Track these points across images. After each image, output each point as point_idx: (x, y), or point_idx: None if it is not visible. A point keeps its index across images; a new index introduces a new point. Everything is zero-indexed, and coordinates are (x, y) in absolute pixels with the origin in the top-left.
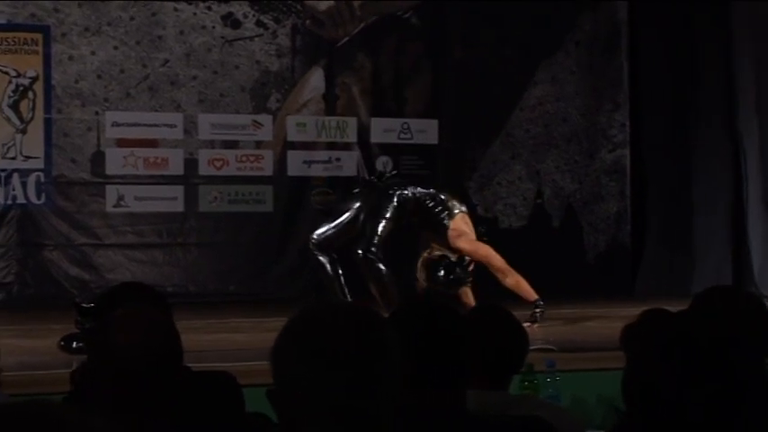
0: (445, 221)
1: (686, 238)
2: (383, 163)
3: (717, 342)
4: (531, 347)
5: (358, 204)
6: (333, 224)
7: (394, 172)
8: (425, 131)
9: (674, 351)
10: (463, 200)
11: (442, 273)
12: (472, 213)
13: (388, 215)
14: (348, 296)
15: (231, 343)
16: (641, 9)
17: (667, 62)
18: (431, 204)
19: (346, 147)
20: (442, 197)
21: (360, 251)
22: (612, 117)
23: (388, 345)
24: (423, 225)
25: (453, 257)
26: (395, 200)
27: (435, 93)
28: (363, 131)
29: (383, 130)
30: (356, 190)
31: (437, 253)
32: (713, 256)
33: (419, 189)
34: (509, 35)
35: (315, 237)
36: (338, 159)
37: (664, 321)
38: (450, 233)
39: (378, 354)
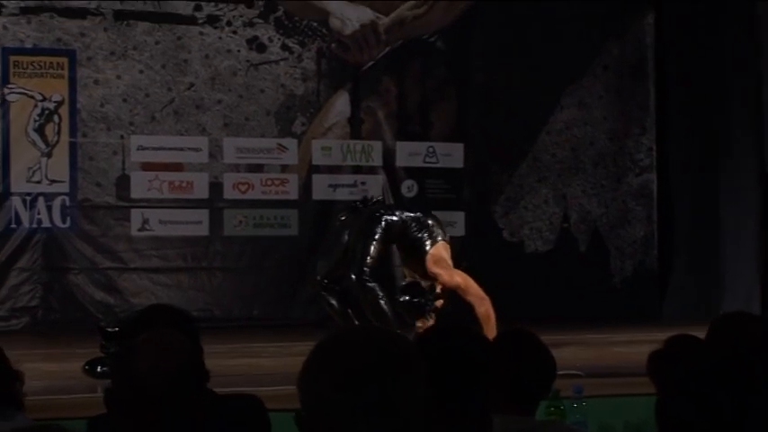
0: (426, 246)
1: (714, 261)
2: (408, 187)
3: (741, 370)
4: (559, 372)
5: (347, 231)
6: (329, 257)
7: (379, 198)
8: (451, 155)
9: (702, 382)
10: (447, 231)
11: (406, 297)
12: (496, 238)
13: (377, 237)
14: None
15: (255, 367)
16: (668, 34)
17: (694, 86)
18: (415, 228)
19: (371, 171)
20: (429, 223)
21: (353, 275)
22: (639, 141)
23: (415, 368)
24: (404, 249)
25: (425, 285)
26: (383, 222)
27: (461, 116)
28: (389, 155)
29: (408, 153)
30: (343, 217)
31: (410, 279)
32: (742, 280)
33: (406, 213)
34: (536, 59)
35: (320, 278)
36: (363, 183)
37: (689, 348)
38: (429, 258)
39: (405, 378)
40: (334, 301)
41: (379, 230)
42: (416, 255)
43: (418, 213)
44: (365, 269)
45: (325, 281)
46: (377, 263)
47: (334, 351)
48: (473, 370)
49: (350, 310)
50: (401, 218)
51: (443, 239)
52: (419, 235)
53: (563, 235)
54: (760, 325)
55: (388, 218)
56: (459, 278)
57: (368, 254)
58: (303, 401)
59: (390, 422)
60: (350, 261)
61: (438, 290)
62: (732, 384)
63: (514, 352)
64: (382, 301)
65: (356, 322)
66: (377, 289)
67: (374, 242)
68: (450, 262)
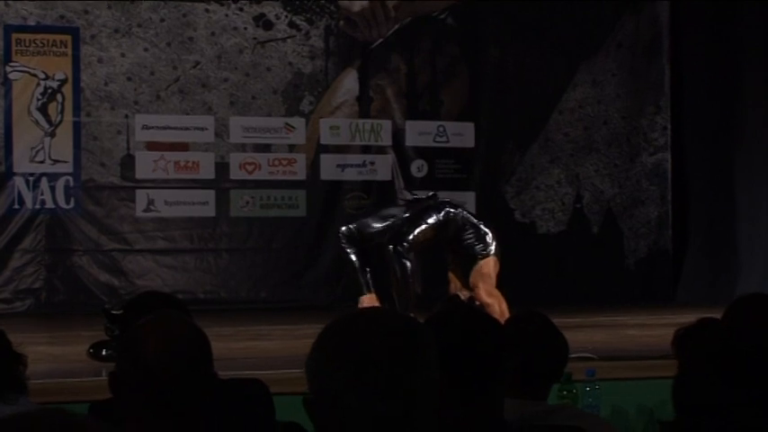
0: (478, 257)
1: (729, 243)
2: (418, 167)
3: (758, 352)
4: (571, 356)
5: (404, 213)
6: (374, 224)
7: (447, 200)
8: (462, 135)
9: (726, 362)
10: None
11: None
12: (508, 219)
13: (430, 221)
14: (372, 291)
15: (262, 350)
16: (683, 11)
17: (709, 65)
18: (471, 234)
19: (380, 150)
20: (487, 233)
21: (391, 246)
22: (654, 120)
23: (425, 352)
24: (455, 252)
25: (464, 296)
26: (442, 213)
27: (472, 95)
28: (398, 134)
29: (418, 133)
30: (409, 198)
31: (453, 293)
32: (757, 262)
33: (469, 216)
34: (548, 36)
35: (346, 229)
36: (372, 163)
37: (717, 331)
38: (476, 267)
39: (415, 361)
40: (353, 255)
41: (435, 217)
42: (466, 262)
43: (480, 222)
44: (405, 244)
45: (355, 237)
46: (419, 244)
47: (344, 333)
48: (485, 353)
49: (368, 271)
50: (461, 217)
51: (496, 255)
52: (474, 242)
53: (575, 216)
54: None
55: (451, 211)
56: (495, 300)
57: (413, 231)
58: (311, 384)
59: (401, 405)
60: (394, 233)
61: (477, 304)
62: (749, 366)
63: (526, 335)
64: (411, 277)
65: (371, 284)
66: (408, 265)
67: (426, 225)
68: (494, 279)
